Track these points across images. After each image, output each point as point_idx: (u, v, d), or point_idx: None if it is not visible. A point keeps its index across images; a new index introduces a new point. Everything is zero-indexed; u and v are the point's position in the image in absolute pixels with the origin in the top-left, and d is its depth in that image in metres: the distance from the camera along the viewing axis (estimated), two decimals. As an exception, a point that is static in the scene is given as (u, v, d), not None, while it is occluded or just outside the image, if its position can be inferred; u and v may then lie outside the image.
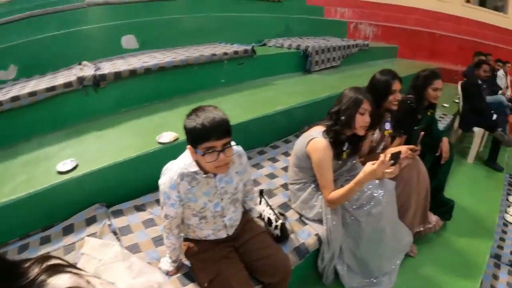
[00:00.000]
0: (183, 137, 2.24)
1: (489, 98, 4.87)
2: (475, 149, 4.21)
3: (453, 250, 2.64)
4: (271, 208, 2.08)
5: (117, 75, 2.87)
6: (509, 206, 3.68)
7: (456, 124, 4.45)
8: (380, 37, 8.00)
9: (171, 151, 1.97)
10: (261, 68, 4.15)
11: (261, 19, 5.22)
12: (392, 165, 1.84)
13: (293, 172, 2.23)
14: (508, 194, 3.95)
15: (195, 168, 1.49)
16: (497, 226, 3.20)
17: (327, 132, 2.02)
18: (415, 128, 2.28)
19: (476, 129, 4.19)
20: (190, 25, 4.45)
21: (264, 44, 4.97)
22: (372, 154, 2.49)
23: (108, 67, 3.08)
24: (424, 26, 8.23)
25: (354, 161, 2.25)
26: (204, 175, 1.51)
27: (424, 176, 2.46)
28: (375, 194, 2.04)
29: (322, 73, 4.62)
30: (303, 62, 4.56)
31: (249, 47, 3.93)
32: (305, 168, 2.12)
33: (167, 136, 2.43)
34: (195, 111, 1.40)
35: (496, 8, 10.27)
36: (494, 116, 4.14)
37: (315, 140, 2.01)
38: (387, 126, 2.52)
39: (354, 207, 2.07)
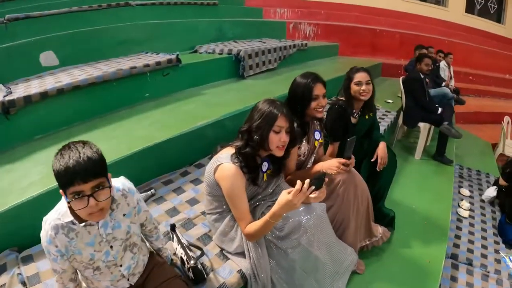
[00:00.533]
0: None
1: (432, 91, 4.77)
2: (422, 145, 4.04)
3: (405, 260, 2.42)
4: (182, 247, 1.76)
5: (27, 100, 2.51)
6: (461, 200, 3.55)
7: (400, 120, 4.27)
8: (320, 36, 7.82)
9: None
10: (190, 77, 3.82)
11: (193, 24, 4.87)
12: (316, 189, 1.54)
13: (208, 201, 1.89)
14: (460, 187, 3.83)
15: (69, 217, 1.27)
16: (451, 222, 3.05)
17: (236, 156, 1.70)
18: (347, 139, 2.00)
19: (421, 124, 4.03)
20: (115, 35, 4.04)
21: (196, 51, 4.62)
22: (302, 170, 2.19)
23: (20, 90, 2.73)
24: (365, 23, 8.18)
25: (279, 183, 1.95)
26: (83, 224, 1.28)
27: (362, 188, 2.18)
28: (303, 220, 1.73)
29: (257, 78, 4.33)
30: (236, 68, 4.26)
31: (173, 56, 3.58)
32: (219, 196, 1.80)
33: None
34: (61, 149, 1.18)
35: (437, 2, 10.55)
36: (439, 110, 3.99)
37: (222, 166, 1.68)
38: (317, 135, 2.23)
39: (279, 237, 1.75)
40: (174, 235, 1.86)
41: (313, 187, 1.50)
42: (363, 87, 2.43)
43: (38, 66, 3.39)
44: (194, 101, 3.41)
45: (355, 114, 2.57)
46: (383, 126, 3.79)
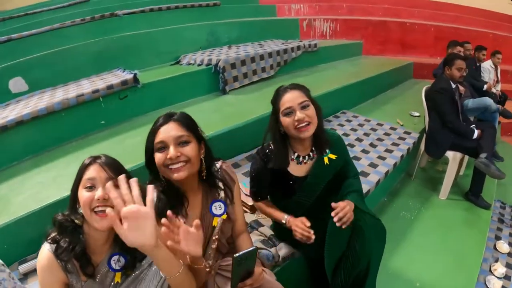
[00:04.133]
0: None
1: (471, 103, 3.50)
2: (450, 182, 2.81)
3: None
4: None
5: None
6: (496, 261, 2.36)
7: (422, 146, 3.05)
8: (340, 33, 6.42)
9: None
10: (154, 98, 2.97)
11: (178, 30, 3.95)
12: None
13: None
14: (497, 238, 2.61)
15: None
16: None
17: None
18: (234, 256, 0.98)
19: (450, 153, 2.81)
20: (89, 52, 3.34)
21: (178, 62, 3.72)
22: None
23: None
24: (395, 16, 6.71)
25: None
26: None
27: None
28: None
29: (243, 92, 3.31)
30: (217, 81, 3.29)
31: (129, 76, 2.79)
32: None
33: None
34: None
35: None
36: (476, 133, 2.74)
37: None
38: (217, 209, 1.30)
39: None
40: None
41: None
42: (297, 115, 1.41)
43: (8, 93, 2.99)
44: (145, 130, 2.53)
45: (302, 159, 1.55)
46: (400, 151, 2.70)
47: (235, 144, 2.54)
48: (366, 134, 3.01)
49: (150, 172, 1.23)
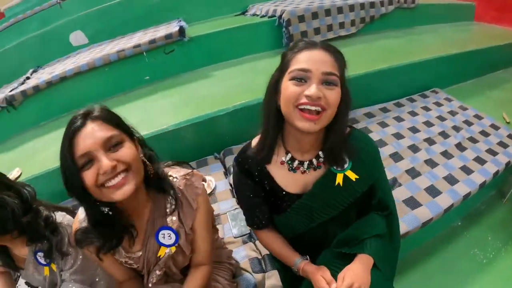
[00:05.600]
0: (28, 173, 1.77)
1: None
2: None
3: None
4: None
5: (24, 93, 2.41)
6: None
7: None
8: None
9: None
10: (203, 52, 2.63)
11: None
12: None
13: None
14: None
15: None
16: None
17: None
18: None
19: None
20: (148, 3, 3.10)
21: (245, 13, 3.20)
22: None
23: (33, 80, 2.61)
24: None
25: None
26: None
27: None
28: None
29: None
30: (281, 36, 2.71)
31: (174, 30, 2.47)
32: None
33: (13, 174, 1.79)
34: None
35: None
36: None
37: None
38: (165, 237, 0.90)
39: None
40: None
41: None
42: (312, 89, 0.76)
43: (70, 46, 3.06)
44: (192, 87, 2.36)
45: (297, 165, 0.93)
46: (496, 164, 1.81)
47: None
48: (456, 129, 2.13)
49: (79, 200, 0.78)
